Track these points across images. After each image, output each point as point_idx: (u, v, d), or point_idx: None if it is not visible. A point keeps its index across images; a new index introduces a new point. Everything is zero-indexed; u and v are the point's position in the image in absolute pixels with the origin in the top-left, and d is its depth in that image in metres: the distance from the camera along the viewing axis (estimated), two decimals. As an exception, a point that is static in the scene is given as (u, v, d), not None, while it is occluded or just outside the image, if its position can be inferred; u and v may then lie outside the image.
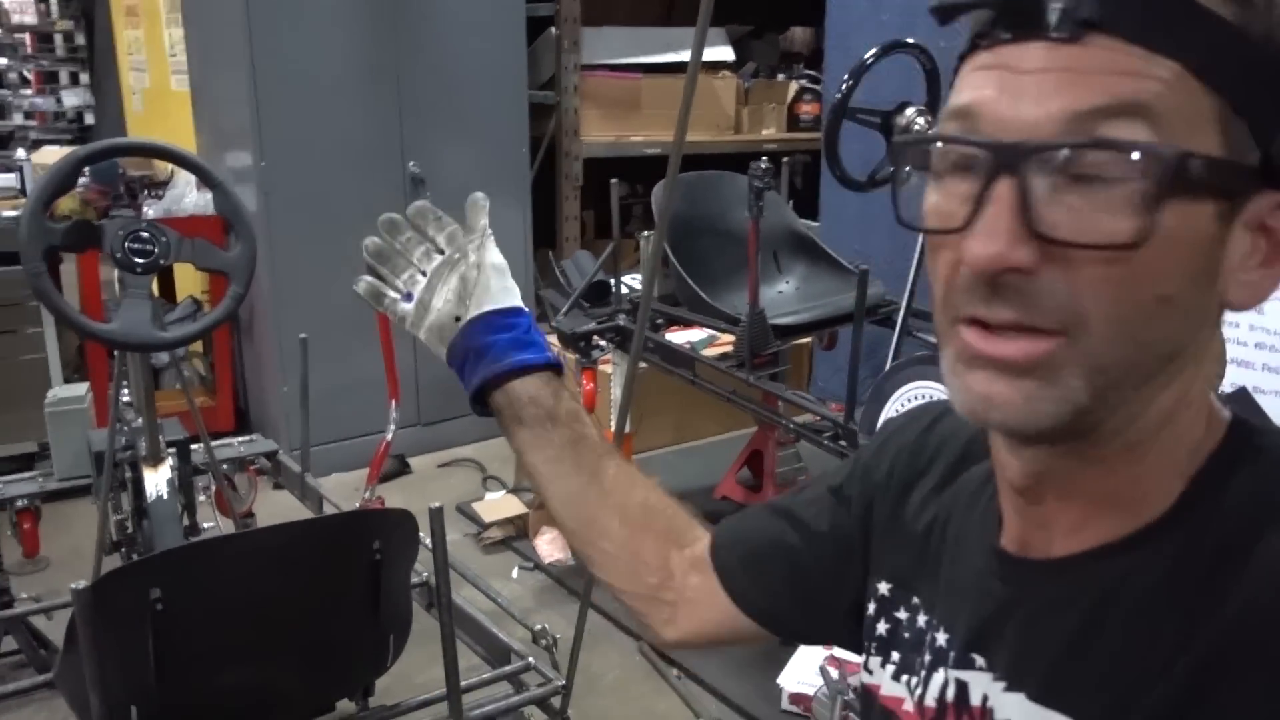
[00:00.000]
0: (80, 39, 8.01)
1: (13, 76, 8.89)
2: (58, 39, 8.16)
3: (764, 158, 2.41)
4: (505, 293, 0.90)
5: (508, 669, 1.83)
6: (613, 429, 3.02)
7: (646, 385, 3.57)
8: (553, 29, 4.18)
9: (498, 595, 2.34)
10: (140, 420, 2.11)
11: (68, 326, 1.84)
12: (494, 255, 0.91)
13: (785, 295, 2.92)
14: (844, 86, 2.24)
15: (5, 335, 3.29)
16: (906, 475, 0.74)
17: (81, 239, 1.81)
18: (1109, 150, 0.48)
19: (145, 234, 1.82)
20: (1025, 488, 0.59)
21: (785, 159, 3.38)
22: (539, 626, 1.89)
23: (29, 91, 8.48)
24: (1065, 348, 0.51)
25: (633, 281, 3.20)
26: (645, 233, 3.06)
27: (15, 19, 8.28)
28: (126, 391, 2.23)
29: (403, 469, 3.60)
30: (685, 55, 4.47)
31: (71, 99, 8.24)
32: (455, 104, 3.76)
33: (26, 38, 8.27)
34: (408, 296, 0.92)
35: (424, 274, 0.91)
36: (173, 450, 2.17)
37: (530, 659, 1.83)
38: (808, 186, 4.20)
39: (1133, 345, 0.51)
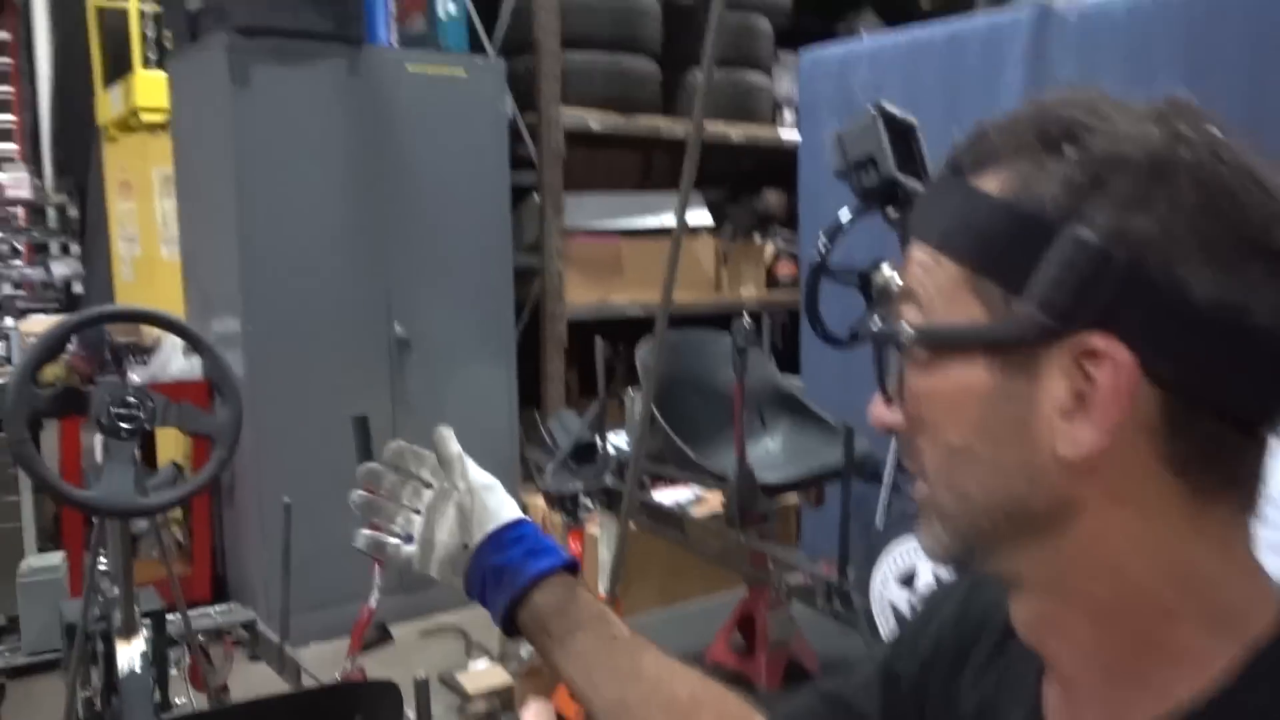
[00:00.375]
0: (73, 212, 8.20)
1: (3, 248, 9.07)
2: (50, 212, 8.35)
3: (746, 316, 2.46)
4: (503, 508, 0.91)
5: None
6: (603, 592, 2.96)
7: (631, 546, 3.52)
8: (535, 195, 4.32)
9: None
10: (116, 590, 2.05)
11: (48, 494, 1.81)
12: (479, 476, 0.93)
13: (772, 452, 2.93)
14: (821, 248, 2.32)
15: (-20, 504, 3.24)
16: (955, 648, 0.73)
17: (67, 405, 1.81)
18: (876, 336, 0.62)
19: (132, 399, 1.82)
20: (1027, 639, 0.61)
21: (765, 316, 3.45)
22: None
23: (19, 262, 8.63)
24: (927, 494, 0.60)
25: (618, 440, 3.20)
26: (630, 391, 3.08)
27: (10, 193, 8.49)
28: (104, 560, 2.17)
29: (384, 637, 3.49)
30: (664, 219, 4.62)
31: (61, 269, 8.36)
32: (441, 268, 3.85)
33: (20, 211, 8.47)
34: (408, 539, 0.92)
35: (418, 512, 0.92)
36: (147, 621, 2.10)
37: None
38: (788, 343, 4.27)
39: (954, 495, 0.58)
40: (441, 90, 3.83)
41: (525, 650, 3.17)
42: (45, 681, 2.48)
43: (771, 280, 4.99)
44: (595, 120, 4.40)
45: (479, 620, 3.65)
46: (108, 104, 5.12)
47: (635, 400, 2.95)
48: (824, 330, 2.28)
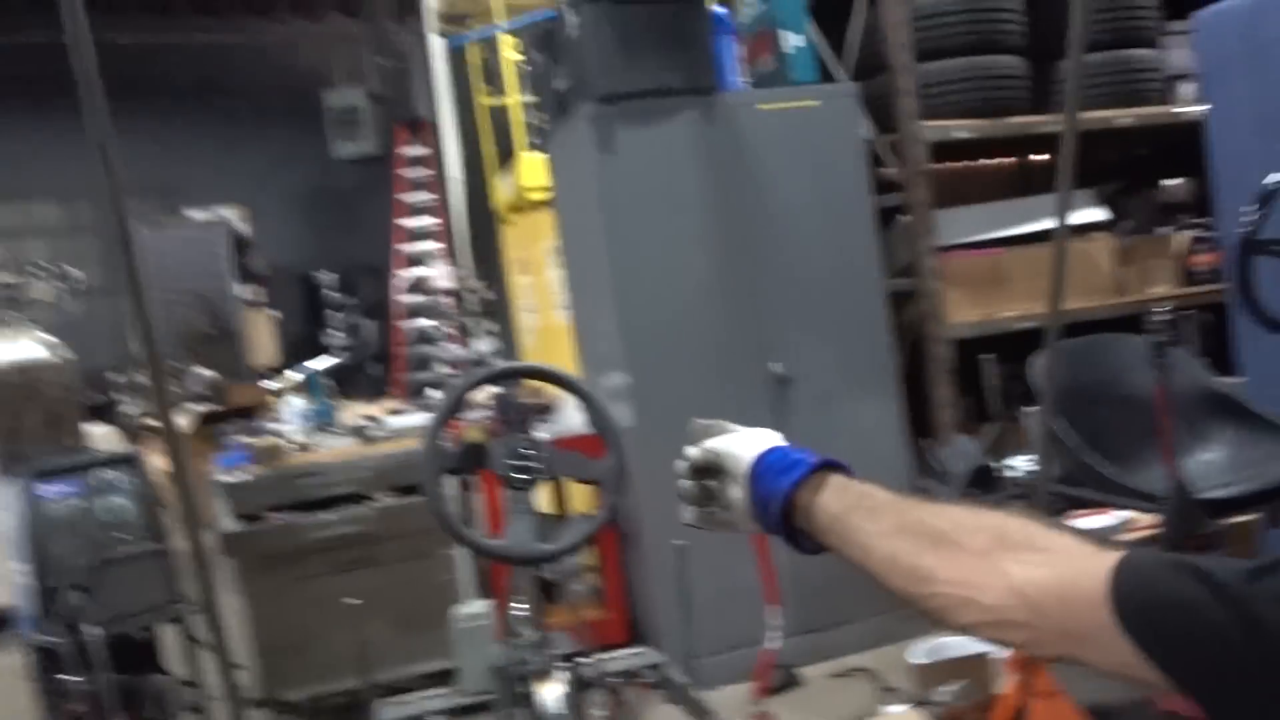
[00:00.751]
0: (490, 294, 9.22)
1: (436, 333, 10.38)
2: (471, 297, 9.42)
3: (1164, 310, 2.13)
4: (745, 452, 1.07)
5: None
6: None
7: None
8: (903, 216, 4.15)
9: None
10: (531, 634, 2.16)
11: (457, 541, 1.95)
12: (732, 441, 1.11)
13: (1214, 464, 2.52)
14: (1249, 221, 1.96)
15: (424, 560, 3.62)
16: None
17: (471, 460, 1.95)
18: None
19: (525, 450, 1.92)
20: None
21: (1189, 314, 3.01)
22: None
23: (448, 344, 9.85)
24: None
25: (1020, 464, 2.92)
26: (1026, 409, 2.81)
27: (438, 284, 9.74)
28: (519, 608, 2.31)
29: (790, 681, 3.43)
30: (1049, 223, 4.23)
31: (482, 346, 9.40)
32: (812, 301, 3.78)
33: (447, 300, 9.67)
34: (725, 508, 1.10)
35: (718, 485, 1.11)
36: (566, 664, 2.20)
37: None
38: (1215, 344, 3.71)
39: None
40: (796, 123, 3.79)
41: (948, 692, 2.96)
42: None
43: (1187, 275, 4.39)
44: (960, 129, 4.15)
45: (894, 661, 3.48)
46: (501, 190, 5.67)
47: (1034, 419, 2.68)
48: (1263, 314, 1.92)
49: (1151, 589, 0.73)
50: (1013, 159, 5.10)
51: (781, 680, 3.38)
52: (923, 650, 3.29)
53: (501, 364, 4.59)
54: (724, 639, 3.41)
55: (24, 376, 2.89)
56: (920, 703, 3.05)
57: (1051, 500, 2.54)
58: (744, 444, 1.09)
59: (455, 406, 1.84)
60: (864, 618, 3.74)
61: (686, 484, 1.14)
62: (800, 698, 3.40)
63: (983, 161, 4.59)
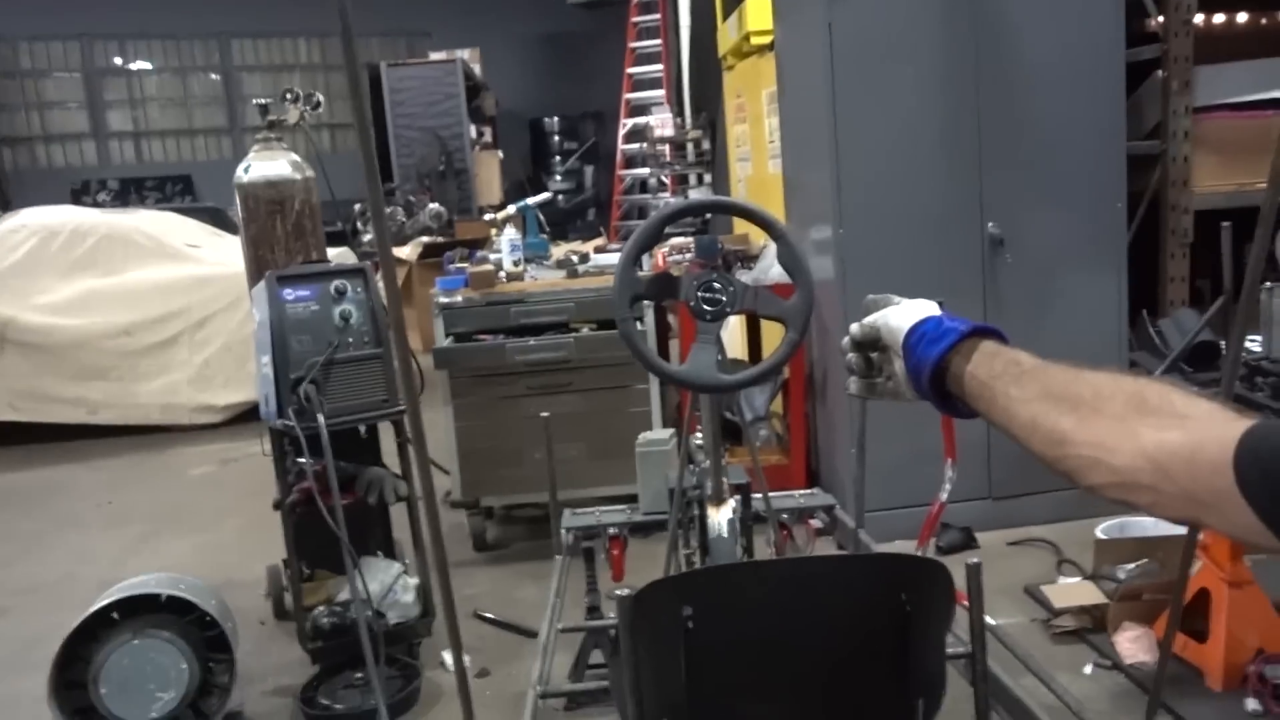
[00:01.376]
0: (706, 145, 9.16)
1: (653, 182, 10.45)
2: (689, 147, 9.39)
3: None
4: (904, 321, 1.12)
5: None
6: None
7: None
8: (1159, 72, 3.78)
9: (1063, 692, 2.07)
10: (708, 461, 2.25)
11: (646, 368, 2.03)
12: (888, 314, 1.16)
13: None
14: None
15: (619, 390, 3.78)
16: None
17: (662, 289, 1.99)
18: None
19: (716, 284, 1.95)
20: None
21: None
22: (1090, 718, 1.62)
23: (665, 194, 9.90)
24: None
25: (1254, 345, 2.71)
26: (1268, 284, 2.58)
27: (659, 133, 9.74)
28: (699, 435, 2.40)
29: (968, 542, 3.41)
30: (1333, 85, 3.76)
31: (694, 195, 9.40)
32: (1041, 160, 3.56)
33: (666, 148, 9.67)
34: (888, 378, 1.18)
35: (881, 356, 1.19)
36: (737, 496, 2.28)
37: (1084, 758, 1.58)
38: None
39: None
40: (1046, -37, 3.49)
41: (1123, 570, 2.87)
42: (662, 546, 2.83)
43: None
44: (1239, -29, 3.70)
45: (1075, 537, 3.40)
46: (726, 36, 5.55)
47: (1274, 296, 2.45)
48: None
49: (1276, 455, 0.72)
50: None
51: (959, 541, 3.37)
52: (1108, 526, 3.19)
53: (699, 197, 4.60)
54: (899, 496, 3.42)
55: (273, 191, 3.15)
56: (1097, 576, 2.98)
57: (1276, 384, 2.35)
58: (901, 315, 1.13)
59: (653, 234, 1.88)
60: (1051, 490, 3.64)
61: (851, 357, 1.20)
62: (974, 557, 3.38)
63: (1257, 16, 4.08)
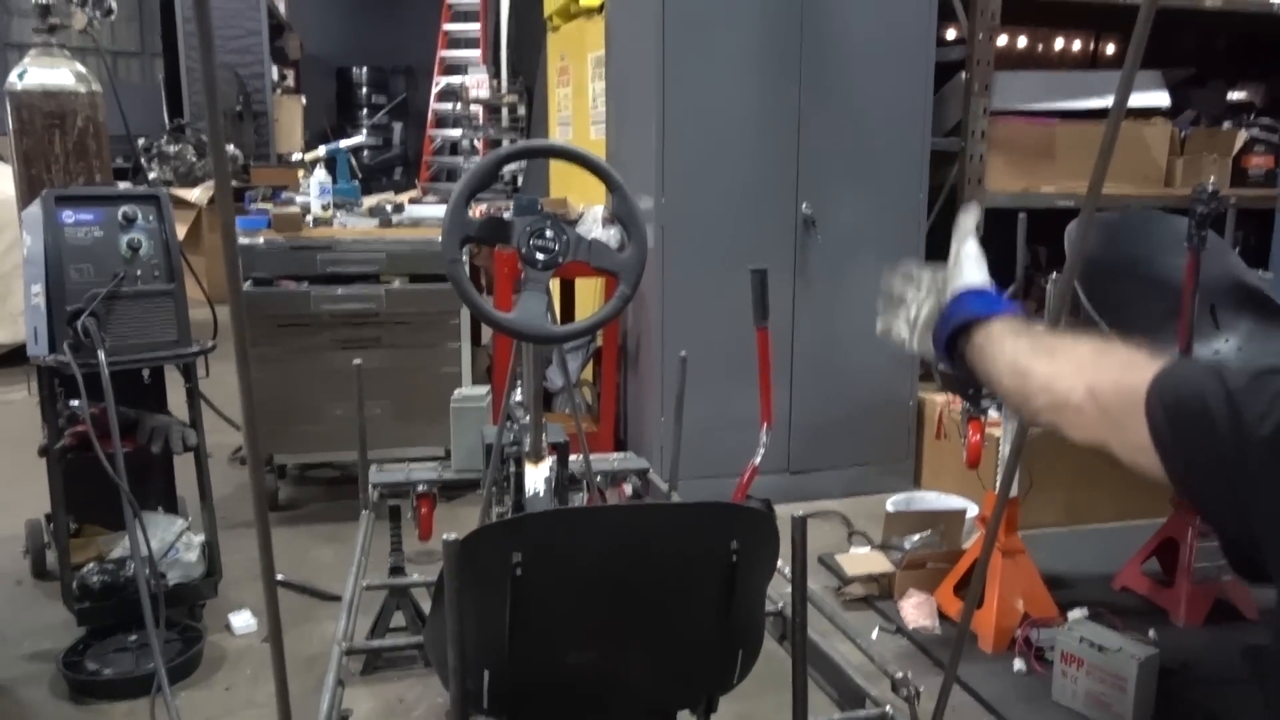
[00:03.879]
0: (522, 110, 9.01)
1: (465, 144, 10.21)
2: (504, 111, 9.21)
3: (1211, 181, 2.08)
4: (974, 275, 1.18)
5: (861, 714, 1.66)
6: (994, 491, 2.74)
7: (1038, 455, 3.23)
8: (963, 73, 4.00)
9: (868, 648, 2.15)
10: (527, 418, 2.20)
11: (474, 314, 1.95)
12: (969, 246, 1.20)
13: (1223, 355, 2.51)
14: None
15: (429, 348, 3.66)
16: None
17: (493, 233, 1.92)
18: None
19: (549, 231, 1.90)
20: None
21: (1231, 207, 2.94)
22: (900, 674, 1.70)
23: (477, 157, 9.69)
24: None
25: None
26: (1051, 276, 2.78)
27: (473, 94, 9.50)
28: (519, 391, 2.34)
29: (769, 513, 3.52)
30: (1110, 101, 4.10)
31: (510, 164, 9.25)
32: (854, 148, 3.70)
33: (480, 110, 9.45)
34: (908, 319, 1.24)
35: (916, 307, 1.23)
36: (554, 457, 2.24)
37: (888, 707, 1.65)
38: (1258, 244, 3.64)
39: None
40: (867, -42, 3.62)
41: (909, 541, 3.04)
42: (472, 508, 2.76)
43: (1239, 175, 4.27)
44: (1040, -13, 3.96)
45: (864, 510, 3.57)
46: (552, -4, 5.45)
47: (1058, 284, 2.64)
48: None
49: (1177, 384, 0.83)
50: (1084, 34, 4.90)
51: (761, 510, 3.46)
52: (896, 500, 3.38)
53: (538, 141, 4.51)
54: (705, 466, 3.49)
55: (53, 103, 2.84)
56: (885, 547, 3.15)
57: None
58: (974, 268, 1.20)
59: (489, 174, 1.80)
60: (845, 466, 3.82)
61: (896, 289, 1.27)
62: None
63: (1059, 25, 4.39)
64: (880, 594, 2.97)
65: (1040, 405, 0.98)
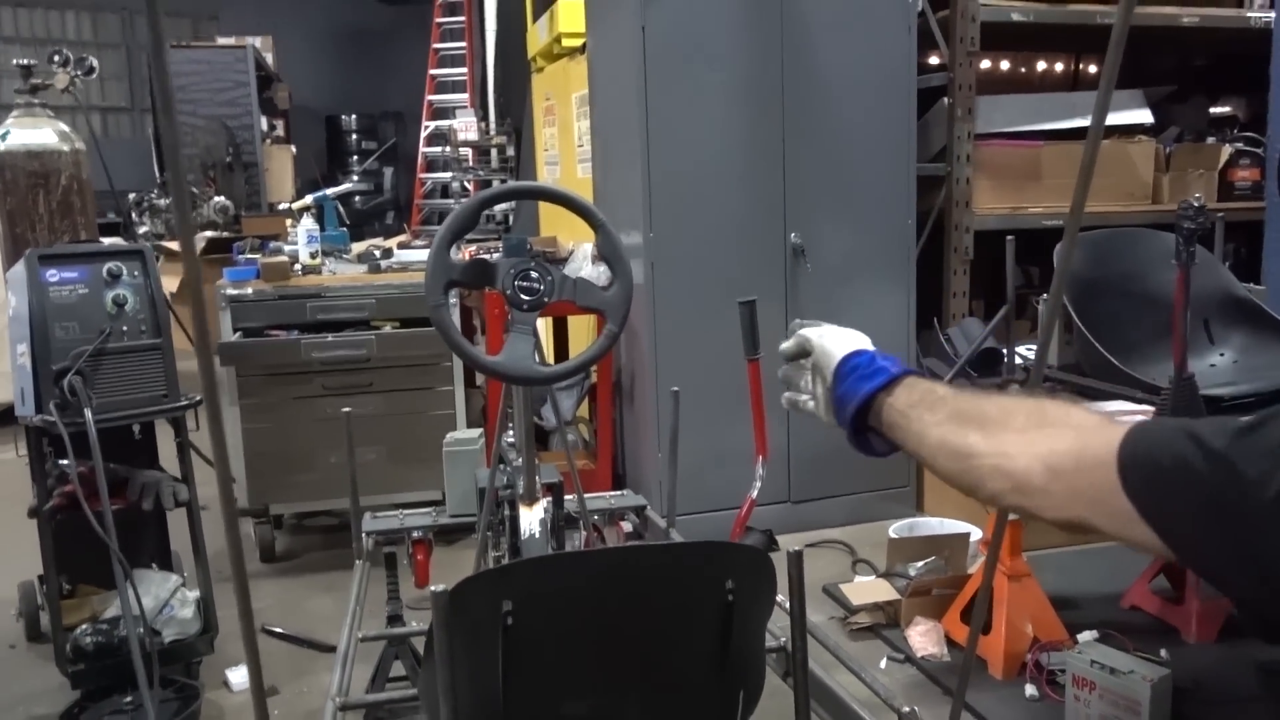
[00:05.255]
0: (511, 151, 9.06)
1: (455, 186, 10.25)
2: (493, 153, 9.26)
3: (1197, 197, 2.07)
4: (839, 348, 1.15)
5: (869, 753, 1.62)
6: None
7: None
8: (945, 99, 4.02)
9: (874, 682, 2.11)
10: (520, 459, 2.17)
11: (459, 357, 1.94)
12: (823, 333, 1.19)
13: (1219, 368, 2.49)
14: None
15: (422, 391, 3.64)
16: None
17: (477, 276, 1.91)
18: None
19: (533, 272, 1.88)
20: None
21: (1219, 221, 2.93)
22: (906, 709, 1.66)
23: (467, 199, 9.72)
24: None
25: (1027, 352, 2.90)
26: (1043, 296, 2.77)
27: (461, 136, 9.55)
28: (511, 433, 2.32)
29: (770, 544, 3.49)
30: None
31: (501, 205, 9.28)
32: (840, 176, 3.71)
33: (469, 152, 9.50)
34: (809, 399, 1.22)
35: (812, 382, 1.21)
36: (548, 498, 2.21)
37: (896, 745, 1.61)
38: (1248, 257, 3.63)
39: None
40: (846, -14, 3.64)
41: (913, 568, 3.00)
42: (468, 552, 2.73)
43: (1226, 189, 4.28)
44: (1018, 11, 3.98)
45: (868, 538, 3.54)
46: (536, 37, 5.50)
47: (1046, 304, 2.64)
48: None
49: (1151, 450, 0.78)
50: (1065, 57, 4.93)
51: (762, 543, 3.43)
52: (899, 527, 3.34)
53: (519, 183, 4.52)
54: (703, 501, 3.46)
55: (36, 162, 2.85)
56: (889, 575, 3.11)
57: (1051, 386, 2.52)
58: (836, 341, 1.16)
59: (470, 218, 1.79)
60: (846, 494, 3.79)
61: (785, 368, 1.25)
62: (776, 560, 3.46)
63: (1038, 49, 4.42)
64: (887, 622, 2.93)
65: (998, 489, 0.90)
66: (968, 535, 3.19)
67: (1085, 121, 4.08)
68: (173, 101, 1.05)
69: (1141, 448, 0.79)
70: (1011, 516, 2.72)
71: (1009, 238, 2.72)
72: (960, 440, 0.94)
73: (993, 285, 3.68)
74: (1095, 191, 4.34)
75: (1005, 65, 4.83)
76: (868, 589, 3.04)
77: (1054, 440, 0.86)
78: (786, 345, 1.24)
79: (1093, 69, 4.98)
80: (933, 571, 3.03)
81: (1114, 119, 4.23)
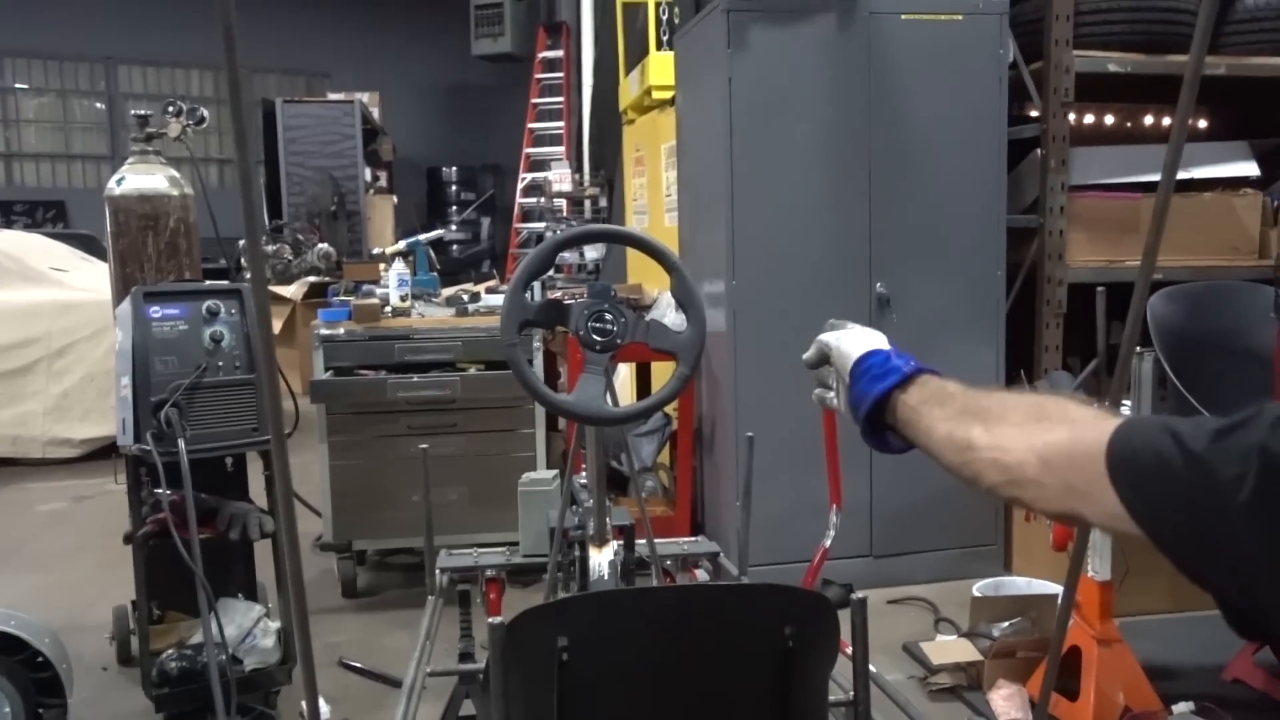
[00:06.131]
0: (604, 201, 9.21)
1: (549, 235, 10.44)
2: (586, 203, 9.42)
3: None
4: (854, 349, 1.17)
5: (938, 816, 1.56)
6: (1092, 574, 2.61)
7: (1135, 538, 3.07)
8: (1038, 150, 3.95)
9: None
10: (591, 501, 2.18)
11: (531, 395, 1.96)
12: (840, 335, 1.23)
13: (1327, 429, 2.36)
14: None
15: (504, 433, 3.69)
16: None
17: (551, 316, 1.94)
18: None
19: (607, 314, 1.90)
20: None
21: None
22: (979, 773, 1.60)
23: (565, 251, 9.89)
24: None
25: (1125, 408, 2.79)
26: (1138, 349, 2.67)
27: (556, 188, 9.75)
28: (583, 474, 2.33)
29: (848, 598, 3.40)
30: (1197, 172, 3.99)
31: (591, 252, 9.42)
32: (927, 227, 3.66)
33: (564, 203, 9.68)
34: (834, 397, 1.24)
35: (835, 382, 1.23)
36: (619, 540, 2.21)
37: (966, 809, 1.54)
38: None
39: None
40: (937, 38, 3.63)
41: (997, 628, 2.90)
42: (539, 588, 2.74)
43: (1339, 245, 4.08)
44: (1114, 62, 3.91)
45: (952, 596, 3.43)
46: (627, 90, 5.61)
47: (1143, 361, 2.54)
48: None
49: (1136, 447, 0.79)
50: (1169, 109, 4.80)
51: (840, 596, 3.35)
52: (984, 585, 3.24)
53: (593, 225, 4.59)
54: (782, 551, 3.41)
55: (147, 206, 2.99)
56: (972, 634, 3.00)
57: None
58: (852, 342, 1.19)
59: (546, 259, 1.83)
60: (931, 550, 3.69)
61: (811, 370, 1.28)
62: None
63: (1136, 100, 4.32)
64: (969, 684, 2.83)
65: (995, 481, 0.92)
66: (1056, 596, 3.07)
67: (1187, 173, 3.96)
68: (247, 146, 1.10)
69: (1128, 444, 0.80)
70: (1103, 579, 2.61)
71: (1100, 289, 2.64)
72: (963, 434, 0.96)
73: (1089, 339, 3.57)
74: (1198, 245, 4.23)
75: (1110, 119, 4.73)
76: (949, 648, 2.94)
77: (1049, 433, 0.87)
78: (808, 354, 1.27)
79: (1203, 123, 4.83)
80: (1019, 633, 2.92)
81: (1218, 171, 4.10)
